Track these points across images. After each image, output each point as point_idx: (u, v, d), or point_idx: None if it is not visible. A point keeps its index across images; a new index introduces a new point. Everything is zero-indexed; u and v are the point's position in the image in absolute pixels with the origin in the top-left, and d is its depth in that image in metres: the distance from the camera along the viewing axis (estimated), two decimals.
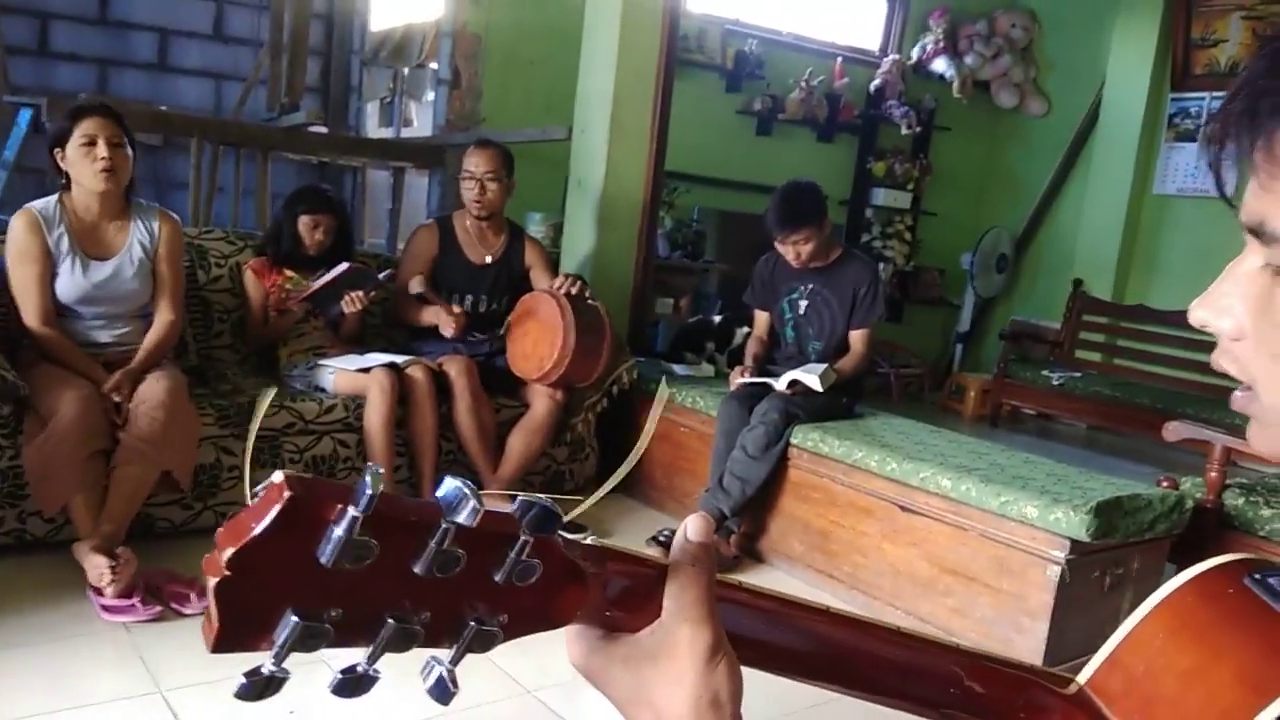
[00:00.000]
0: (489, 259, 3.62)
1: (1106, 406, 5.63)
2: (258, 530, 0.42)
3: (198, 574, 2.55)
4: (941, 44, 6.53)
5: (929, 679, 0.61)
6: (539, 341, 3.38)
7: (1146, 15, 6.18)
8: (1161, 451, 5.07)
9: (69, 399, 2.52)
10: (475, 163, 3.50)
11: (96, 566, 2.36)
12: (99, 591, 2.37)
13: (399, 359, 3.24)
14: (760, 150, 6.13)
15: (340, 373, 3.21)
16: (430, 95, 6.04)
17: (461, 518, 0.45)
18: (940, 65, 6.56)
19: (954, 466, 2.76)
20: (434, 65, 5.85)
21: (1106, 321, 6.28)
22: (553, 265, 3.81)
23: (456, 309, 3.43)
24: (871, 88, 6.42)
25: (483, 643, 0.49)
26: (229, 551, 0.42)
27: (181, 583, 2.49)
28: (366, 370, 3.15)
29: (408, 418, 3.18)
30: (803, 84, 6.11)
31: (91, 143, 2.68)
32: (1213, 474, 2.97)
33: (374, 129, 6.71)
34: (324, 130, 5.52)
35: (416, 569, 0.45)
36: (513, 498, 0.49)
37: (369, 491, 0.43)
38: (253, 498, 0.45)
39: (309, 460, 3.08)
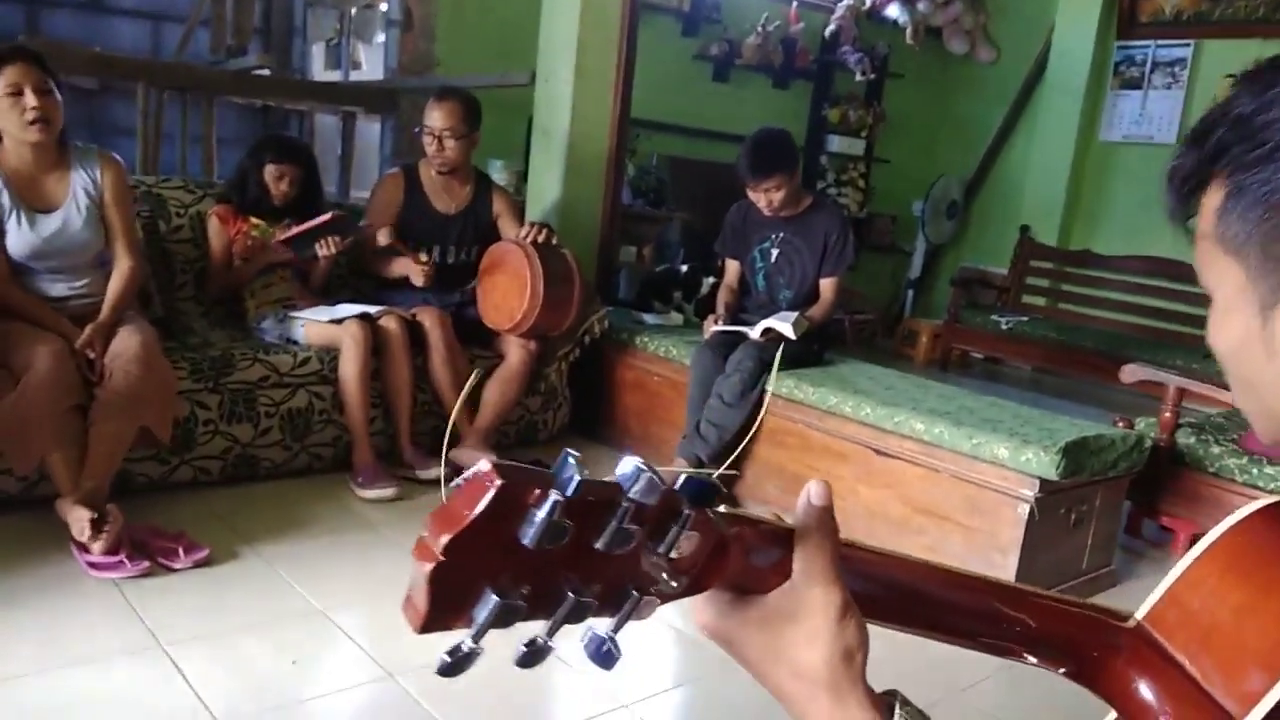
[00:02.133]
0: (456, 209, 3.59)
1: (1053, 350, 5.80)
2: (472, 517, 0.44)
3: (181, 529, 2.53)
4: None
5: (1010, 622, 0.66)
6: (508, 293, 3.37)
7: None
8: (1106, 393, 5.26)
9: (41, 354, 2.47)
10: (434, 118, 3.44)
11: (79, 519, 2.34)
12: (84, 549, 2.35)
13: (371, 309, 3.21)
14: (717, 97, 6.10)
15: (311, 324, 3.17)
16: (380, 37, 5.88)
17: (642, 495, 0.48)
18: (893, 11, 6.53)
19: (926, 410, 2.85)
20: (384, 6, 5.69)
21: (1052, 267, 6.43)
22: (521, 214, 3.78)
23: (424, 258, 3.40)
24: (826, 33, 6.40)
25: (643, 611, 0.52)
26: (445, 538, 0.44)
27: (167, 538, 2.48)
28: (339, 321, 3.12)
29: (382, 369, 3.16)
30: (759, 29, 6.08)
31: (18, 92, 2.56)
32: (1166, 414, 3.10)
33: (319, 72, 6.53)
34: (270, 74, 5.36)
35: (597, 545, 0.48)
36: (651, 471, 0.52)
37: (576, 477, 0.45)
38: (449, 485, 0.47)
39: (285, 414, 3.05)
